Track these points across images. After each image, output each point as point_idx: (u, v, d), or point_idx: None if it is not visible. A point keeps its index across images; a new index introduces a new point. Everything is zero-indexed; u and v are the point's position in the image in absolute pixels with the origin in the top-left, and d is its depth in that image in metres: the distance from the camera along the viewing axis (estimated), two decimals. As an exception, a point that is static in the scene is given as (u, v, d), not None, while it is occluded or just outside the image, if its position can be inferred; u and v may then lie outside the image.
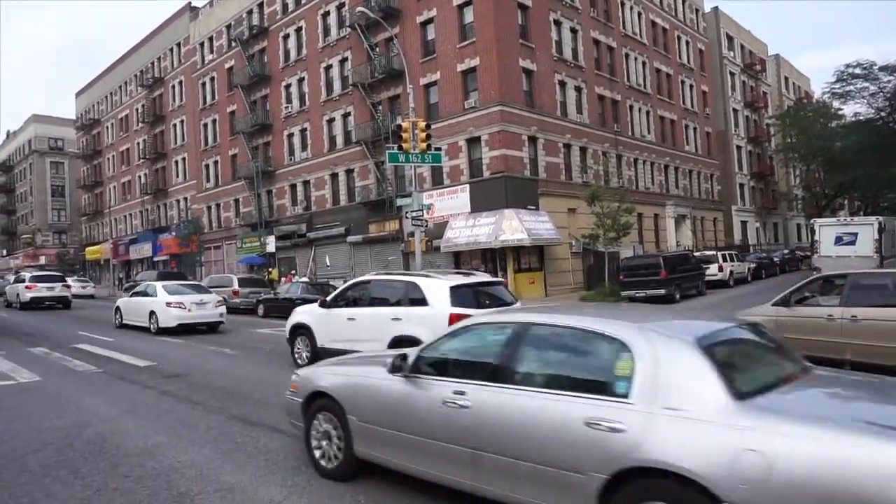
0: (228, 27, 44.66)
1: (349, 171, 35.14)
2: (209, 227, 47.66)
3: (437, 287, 9.19)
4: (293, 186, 39.24)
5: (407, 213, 21.08)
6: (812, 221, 23.77)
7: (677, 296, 22.60)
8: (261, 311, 23.91)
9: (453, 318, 8.03)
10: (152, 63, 55.41)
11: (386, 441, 4.76)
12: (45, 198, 78.05)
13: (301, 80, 38.29)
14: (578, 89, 32.43)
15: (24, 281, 28.75)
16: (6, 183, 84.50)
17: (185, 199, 51.17)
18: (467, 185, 28.16)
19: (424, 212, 21.18)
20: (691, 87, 44.70)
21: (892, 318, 8.11)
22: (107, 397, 9.01)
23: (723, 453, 3.11)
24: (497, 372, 4.20)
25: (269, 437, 6.58)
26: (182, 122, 51.26)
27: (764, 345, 4.26)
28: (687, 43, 44.76)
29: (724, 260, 28.69)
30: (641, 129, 38.03)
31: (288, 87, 39.26)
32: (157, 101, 54.62)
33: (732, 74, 52.01)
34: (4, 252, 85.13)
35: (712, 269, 27.50)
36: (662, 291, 22.22)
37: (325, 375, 5.52)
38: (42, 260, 72.16)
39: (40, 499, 4.98)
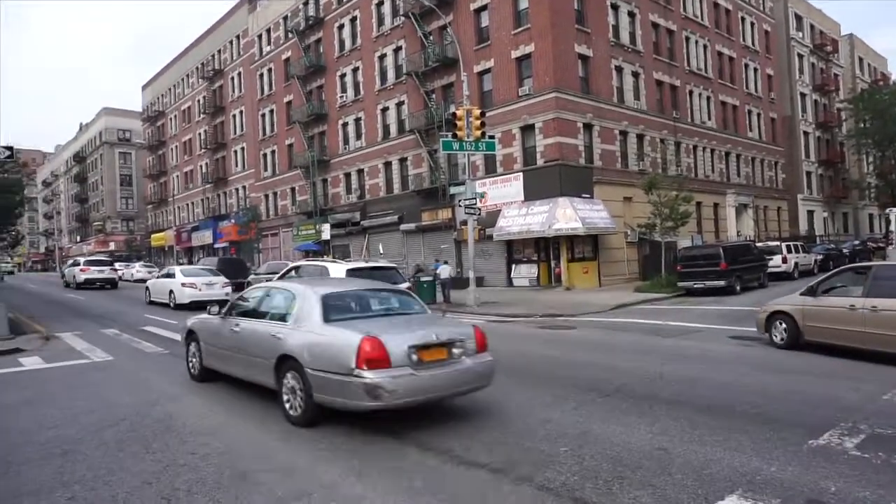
0: (285, 19, 45.49)
1: (402, 160, 35.37)
2: (266, 215, 48.92)
3: (336, 269, 13.15)
4: (347, 175, 39.79)
5: (460, 201, 21.08)
6: (887, 211, 22.58)
7: (738, 287, 21.86)
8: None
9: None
10: (213, 56, 57.06)
11: (213, 353, 8.38)
12: (115, 187, 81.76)
13: (355, 70, 38.68)
14: (636, 75, 31.60)
15: (79, 265, 33.15)
16: (80, 173, 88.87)
17: (244, 187, 52.65)
18: (521, 174, 27.93)
19: (477, 200, 21.14)
20: (755, 70, 42.88)
21: None
22: (173, 377, 9.39)
23: (307, 343, 6.38)
24: (251, 312, 7.75)
25: (329, 421, 6.71)
26: (241, 112, 52.66)
27: (372, 299, 7.42)
28: (752, 24, 42.91)
29: (789, 251, 27.55)
30: (702, 115, 36.78)
31: (343, 76, 39.74)
32: (218, 92, 56.27)
33: (801, 56, 49.55)
34: (78, 238, 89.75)
35: (776, 261, 26.45)
36: (722, 283, 21.55)
37: (192, 320, 9.27)
38: (111, 246, 75.74)
39: (116, 471, 5.25)
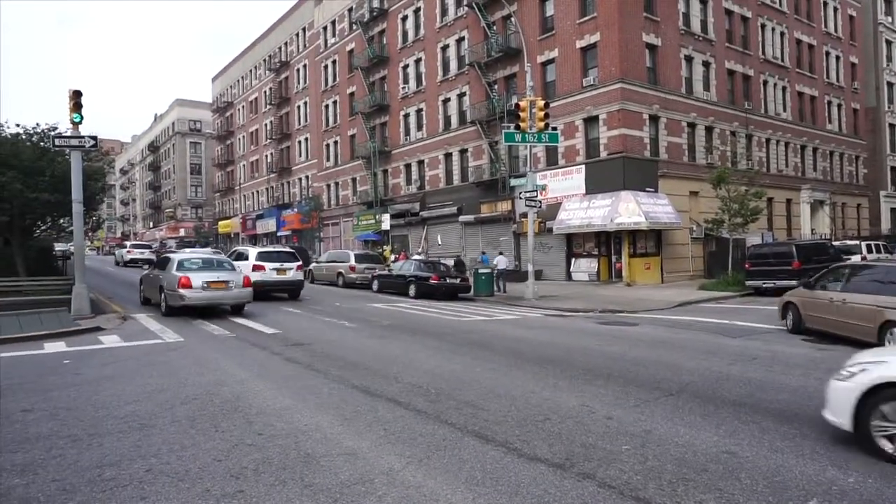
0: (350, 10, 46.14)
1: (463, 151, 35.39)
2: (328, 205, 49.96)
3: (252, 252, 20.09)
4: (408, 166, 40.14)
5: (520, 193, 20.95)
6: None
7: (812, 288, 20.86)
8: (375, 286, 24.77)
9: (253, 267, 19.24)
10: (279, 48, 58.52)
11: (147, 283, 17.71)
12: (185, 175, 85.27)
13: (418, 61, 38.88)
14: (706, 64, 30.50)
15: (125, 247, 45.29)
16: (154, 161, 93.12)
17: (307, 177, 53.89)
18: (583, 166, 27.48)
19: (538, 192, 20.96)
20: (837, 58, 40.62)
21: (865, 304, 10.21)
22: (240, 360, 9.76)
23: (167, 279, 15.44)
24: (160, 265, 16.78)
25: (387, 407, 6.84)
26: (305, 103, 53.85)
27: (205, 262, 15.98)
28: (835, 9, 40.63)
29: (869, 251, 26.12)
30: (776, 107, 35.18)
31: (405, 67, 40.03)
32: (283, 84, 57.71)
33: (889, 43, 46.52)
34: (151, 224, 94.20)
35: (854, 260, 25.09)
36: (794, 283, 20.52)
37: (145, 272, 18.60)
38: (181, 232, 79.09)
39: (188, 447, 5.51)
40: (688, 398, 7.35)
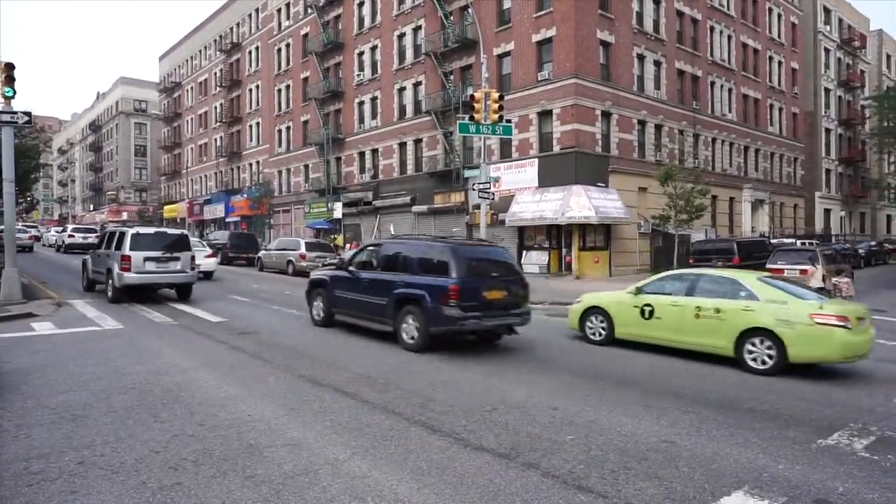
0: (305, -7, 45.21)
1: (417, 141, 35.23)
2: (279, 191, 49.02)
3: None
4: (361, 154, 39.72)
5: (474, 185, 20.97)
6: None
7: (751, 283, 21.70)
8: (326, 275, 24.40)
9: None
10: (231, 28, 56.89)
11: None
12: (129, 157, 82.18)
13: (374, 49, 38.43)
14: (658, 63, 31.18)
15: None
16: (95, 142, 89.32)
17: (258, 162, 52.72)
18: (536, 160, 27.75)
19: (491, 184, 21.02)
20: (780, 63, 42.18)
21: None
22: (183, 348, 9.49)
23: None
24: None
25: (334, 397, 6.76)
26: (257, 87, 52.58)
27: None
28: (779, 16, 42.14)
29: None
30: (722, 108, 36.30)
31: (361, 54, 39.51)
32: (235, 66, 56.16)
33: (827, 51, 48.67)
34: (91, 207, 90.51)
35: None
36: (735, 278, 21.36)
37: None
38: (124, 216, 76.27)
39: (124, 438, 5.31)
40: (631, 389, 7.53)
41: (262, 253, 29.87)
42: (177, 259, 15.18)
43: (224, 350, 9.45)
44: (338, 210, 39.20)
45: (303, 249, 26.69)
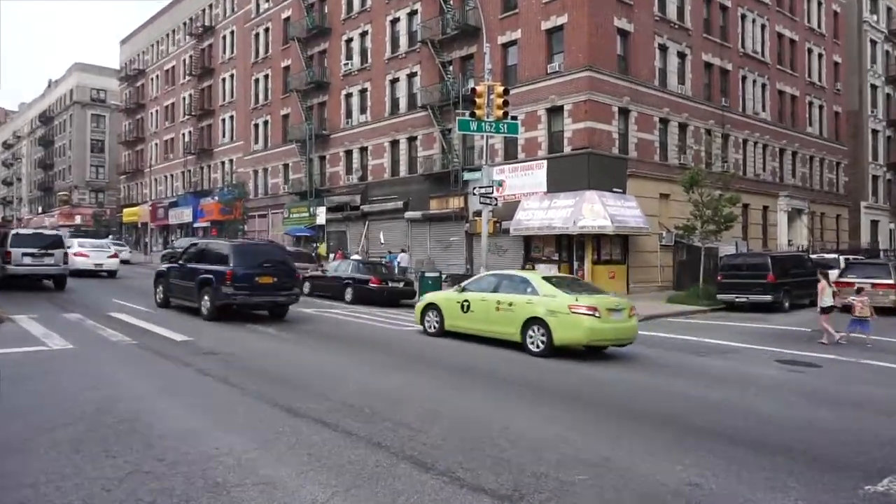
0: (287, -28, 45.49)
1: (412, 139, 35.33)
2: (255, 194, 49.06)
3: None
4: (348, 153, 39.80)
5: (474, 189, 21.00)
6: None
7: (786, 304, 21.77)
8: (306, 288, 24.43)
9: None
10: (203, 10, 57.15)
11: None
12: (84, 153, 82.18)
13: (364, 35, 38.62)
14: (682, 55, 31.38)
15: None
16: (45, 135, 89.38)
17: (231, 161, 52.79)
18: (544, 162, 27.83)
19: (494, 189, 21.05)
20: (820, 56, 42.51)
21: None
22: (141, 372, 9.42)
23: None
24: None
25: (313, 428, 6.70)
26: (232, 76, 52.74)
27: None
28: (819, 3, 42.51)
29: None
30: (755, 105, 36.52)
31: (349, 41, 39.69)
32: (206, 52, 56.37)
33: (874, 43, 49.01)
34: (40, 209, 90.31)
35: (832, 276, 26.24)
36: (769, 298, 21.44)
37: None
38: (77, 220, 76.19)
39: (70, 476, 5.24)
40: (648, 423, 7.49)
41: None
42: (51, 255, 20.57)
43: (188, 374, 9.39)
44: (321, 215, 39.22)
45: (280, 260, 26.59)
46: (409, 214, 34.44)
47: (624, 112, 28.29)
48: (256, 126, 49.24)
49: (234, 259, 15.31)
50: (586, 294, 12.59)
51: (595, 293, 13.05)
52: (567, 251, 27.66)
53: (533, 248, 28.74)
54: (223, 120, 54.12)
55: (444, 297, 14.70)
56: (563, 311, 11.90)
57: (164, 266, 18.58)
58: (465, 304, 13.81)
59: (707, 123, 32.55)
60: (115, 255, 29.56)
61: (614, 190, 26.84)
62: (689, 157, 30.77)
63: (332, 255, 35.45)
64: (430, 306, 14.81)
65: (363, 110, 38.76)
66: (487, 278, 14.44)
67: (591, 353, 12.75)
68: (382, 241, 35.17)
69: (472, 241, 30.00)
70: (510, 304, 12.84)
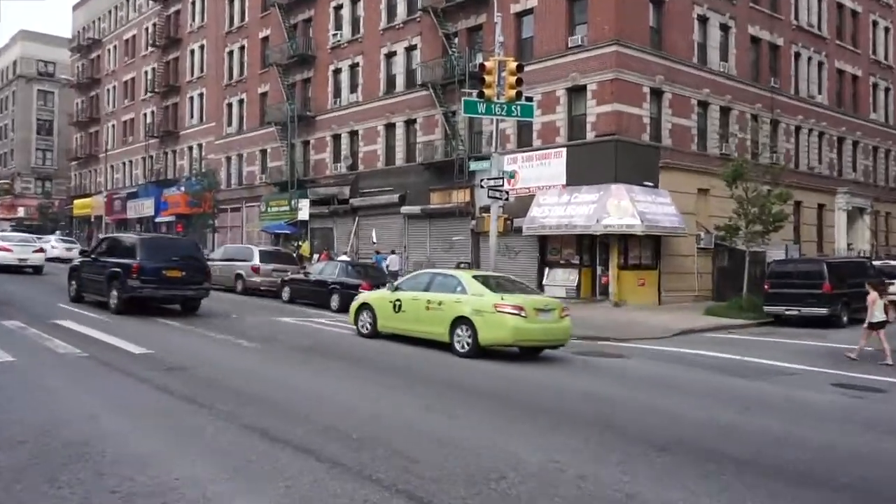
0: (267, -73, 45.58)
1: (410, 123, 35.35)
2: (227, 184, 49.14)
3: None
4: (336, 138, 39.84)
5: (482, 181, 21.04)
6: None
7: (845, 318, 21.69)
8: (286, 294, 24.45)
9: None
10: (169, -30, 57.29)
11: None
12: (29, 135, 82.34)
13: (355, 1, 38.67)
14: (725, 28, 31.39)
15: None
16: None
17: (200, 146, 52.90)
18: (564, 150, 27.83)
19: (505, 181, 21.08)
20: (887, 30, 42.49)
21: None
22: (93, 389, 9.42)
23: None
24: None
25: (292, 456, 6.70)
26: (202, 48, 52.87)
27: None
28: (884, -31, 42.51)
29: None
30: (809, 87, 36.50)
31: (338, 8, 39.76)
32: (172, 19, 56.51)
33: (947, 16, 48.95)
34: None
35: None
36: (824, 311, 21.38)
37: None
38: (20, 212, 76.41)
39: (9, 508, 5.24)
40: (684, 454, 7.47)
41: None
42: None
43: (148, 391, 9.39)
44: (304, 210, 39.24)
45: (256, 260, 26.67)
46: (405, 210, 34.46)
47: (657, 93, 28.28)
48: (230, 106, 49.31)
49: (141, 252, 17.41)
50: (516, 294, 14.06)
51: (527, 293, 14.89)
52: (589, 254, 27.66)
53: (549, 249, 28.74)
54: (191, 98, 54.21)
55: (378, 296, 16.14)
56: (488, 311, 13.25)
57: (77, 261, 21.00)
58: (398, 303, 15.13)
59: (753, 107, 32.52)
60: (41, 250, 30.81)
61: (645, 183, 26.82)
62: (732, 146, 30.74)
63: (316, 256, 35.48)
64: (364, 306, 16.16)
65: (354, 89, 38.79)
66: (421, 276, 16.07)
67: (525, 355, 14.20)
68: (375, 241, 35.17)
69: (479, 242, 30.02)
70: (439, 304, 14.24)
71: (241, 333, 15.61)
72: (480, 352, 13.37)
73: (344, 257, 31.29)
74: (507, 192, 21.38)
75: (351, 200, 37.57)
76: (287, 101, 42.32)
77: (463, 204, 31.53)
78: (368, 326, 15.83)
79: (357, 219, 37.63)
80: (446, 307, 14.03)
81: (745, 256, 25.42)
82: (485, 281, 14.45)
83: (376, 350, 14.29)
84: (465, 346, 13.48)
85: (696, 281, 29.05)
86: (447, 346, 13.88)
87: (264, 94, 45.60)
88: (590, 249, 27.61)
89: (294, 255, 33.29)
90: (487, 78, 19.54)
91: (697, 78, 29.90)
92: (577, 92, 28.00)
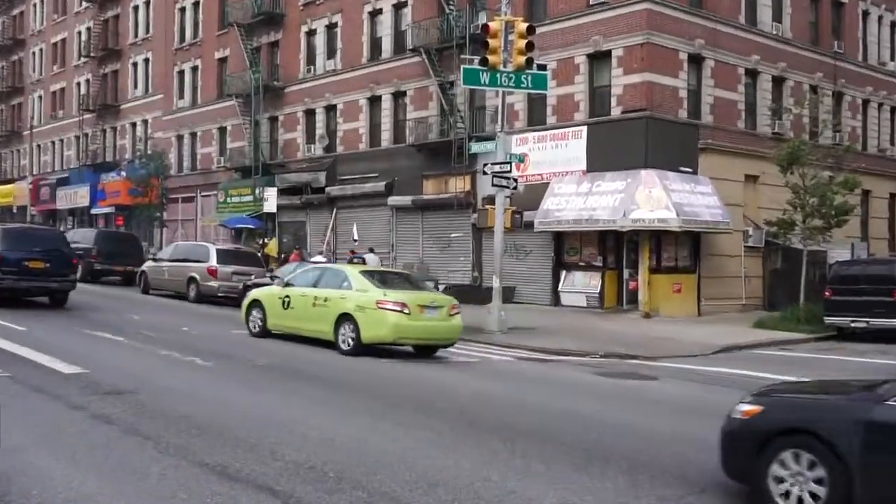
0: None
1: (398, 96, 35.33)
2: (178, 168, 49.07)
3: None
4: (310, 114, 39.80)
5: (485, 166, 21.02)
6: None
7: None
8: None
9: None
10: None
11: None
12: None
13: (332, -53, 38.69)
14: (779, -19, 31.45)
15: None
16: None
17: (145, 122, 52.79)
18: (584, 129, 27.81)
19: (513, 166, 21.09)
20: (972, -15, 42.52)
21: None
22: (15, 416, 9.37)
23: None
24: None
25: (255, 499, 6.70)
26: (147, 3, 52.77)
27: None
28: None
29: None
30: (880, 53, 36.53)
31: (312, -45, 39.74)
32: (113, -32, 56.38)
33: None
34: None
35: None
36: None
37: None
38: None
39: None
40: (729, 498, 7.50)
41: (148, 265, 29.80)
42: None
43: (81, 419, 9.37)
44: (271, 200, 39.20)
45: (213, 261, 26.62)
46: (393, 200, 34.43)
47: (696, 60, 28.28)
48: (181, 74, 49.24)
49: (2, 243, 19.75)
50: (403, 290, 16.12)
51: (415, 290, 16.92)
52: (614, 254, 27.65)
53: (566, 249, 28.72)
54: (134, 64, 54.10)
55: (268, 293, 18.13)
56: (371, 307, 15.25)
57: None
58: (287, 300, 17.06)
59: (813, 77, 32.53)
60: None
61: (681, 169, 26.81)
62: (786, 123, 30.69)
63: (285, 256, 35.43)
64: (254, 304, 18.10)
65: (331, 54, 38.74)
66: (311, 272, 18.19)
67: (420, 354, 16.59)
68: (356, 239, 35.11)
69: (482, 239, 29.99)
70: (325, 300, 16.22)
71: (192, 349, 15.59)
72: (363, 350, 15.29)
73: (319, 258, 31.22)
74: (516, 180, 21.40)
75: (327, 189, 37.51)
76: (251, 68, 42.24)
77: (462, 194, 31.49)
78: (259, 325, 17.70)
79: (335, 211, 37.56)
80: (331, 304, 15.98)
81: (801, 257, 25.41)
82: (373, 276, 16.70)
83: (261, 349, 16.24)
84: (349, 343, 15.44)
85: (743, 287, 29.02)
86: (333, 345, 15.83)
87: (223, 61, 45.53)
88: (615, 249, 27.61)
89: (259, 254, 33.25)
90: (492, 42, 19.53)
91: (745, 42, 29.89)
92: (599, 59, 28.00)
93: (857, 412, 6.26)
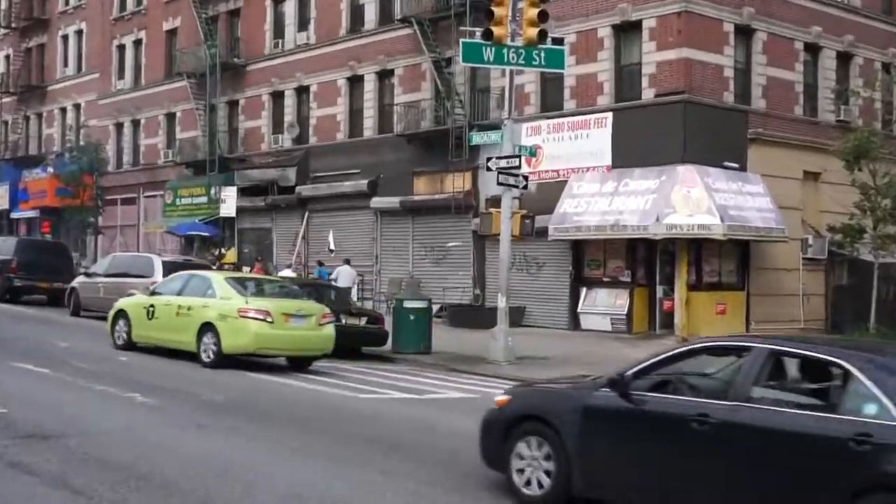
0: None
1: (385, 75, 35.42)
2: (117, 163, 49.13)
3: None
4: (277, 97, 39.88)
5: (490, 160, 21.04)
6: None
7: None
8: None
9: None
10: None
11: None
12: None
13: None
14: (844, -63, 31.58)
15: None
16: None
17: (77, 107, 52.83)
18: (608, 116, 27.82)
19: (523, 160, 21.10)
20: None
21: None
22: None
23: None
24: None
25: None
26: (80, -37, 52.88)
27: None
28: None
29: None
30: (966, 24, 36.69)
31: None
32: (39, -78, 56.53)
33: None
34: None
35: None
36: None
37: None
38: None
39: None
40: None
41: (79, 281, 29.79)
42: None
43: (-3, 469, 9.36)
44: (230, 202, 39.26)
45: (158, 276, 26.54)
46: (378, 201, 34.45)
47: (744, 33, 28.37)
48: (121, 49, 49.35)
49: None
50: (269, 298, 18.03)
51: (286, 297, 18.87)
52: (645, 268, 27.64)
53: (588, 261, 28.71)
54: (64, 38, 54.25)
55: (134, 302, 20.10)
56: (232, 316, 16.91)
57: None
58: (151, 309, 18.82)
59: (886, 54, 32.63)
60: None
61: (726, 165, 26.82)
62: (854, 110, 30.76)
63: (247, 270, 35.40)
64: (120, 314, 19.92)
65: (303, 25, 38.81)
66: (178, 279, 19.98)
67: (296, 366, 18.51)
68: (332, 248, 35.11)
69: (485, 250, 29.96)
70: (189, 309, 17.88)
71: (135, 383, 15.56)
72: (225, 361, 16.87)
73: (287, 272, 31.26)
74: (526, 178, 21.42)
75: (298, 189, 37.52)
76: (206, 42, 42.27)
77: (461, 194, 31.52)
78: (124, 337, 19.57)
79: (307, 215, 37.55)
80: (194, 312, 17.67)
81: (872, 270, 25.43)
82: (240, 284, 18.52)
83: (120, 364, 17.85)
84: (211, 354, 17.04)
85: (802, 306, 29.01)
86: (196, 357, 17.53)
87: (172, 32, 45.66)
88: (646, 261, 27.63)
89: (214, 267, 33.24)
90: (497, 10, 19.56)
91: (804, 11, 29.97)
92: (627, 31, 28.10)
93: (578, 399, 7.90)
